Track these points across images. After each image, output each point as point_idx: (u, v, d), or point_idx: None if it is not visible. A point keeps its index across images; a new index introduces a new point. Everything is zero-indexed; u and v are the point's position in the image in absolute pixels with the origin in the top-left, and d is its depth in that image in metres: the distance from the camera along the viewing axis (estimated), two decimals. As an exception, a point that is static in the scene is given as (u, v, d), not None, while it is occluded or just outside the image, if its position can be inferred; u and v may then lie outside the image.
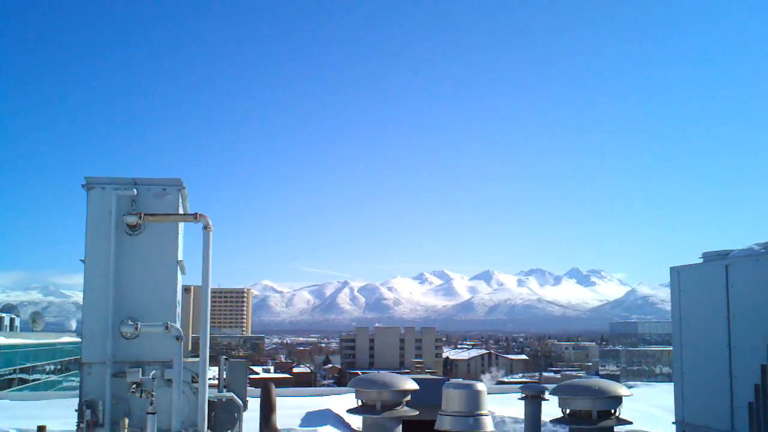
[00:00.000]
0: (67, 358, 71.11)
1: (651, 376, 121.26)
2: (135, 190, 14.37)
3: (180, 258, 15.05)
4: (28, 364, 61.73)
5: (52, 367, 68.42)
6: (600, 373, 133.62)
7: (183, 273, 15.89)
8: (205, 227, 14.05)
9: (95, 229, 14.30)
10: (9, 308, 76.86)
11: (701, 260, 13.27)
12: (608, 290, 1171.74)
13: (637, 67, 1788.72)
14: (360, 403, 10.39)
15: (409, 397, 10.35)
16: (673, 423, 13.63)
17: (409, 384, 10.27)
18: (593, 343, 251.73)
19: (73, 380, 66.12)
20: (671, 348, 14.23)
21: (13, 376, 57.95)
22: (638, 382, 35.33)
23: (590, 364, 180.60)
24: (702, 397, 12.75)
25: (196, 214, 14.03)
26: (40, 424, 18.15)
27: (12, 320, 66.80)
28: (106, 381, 14.00)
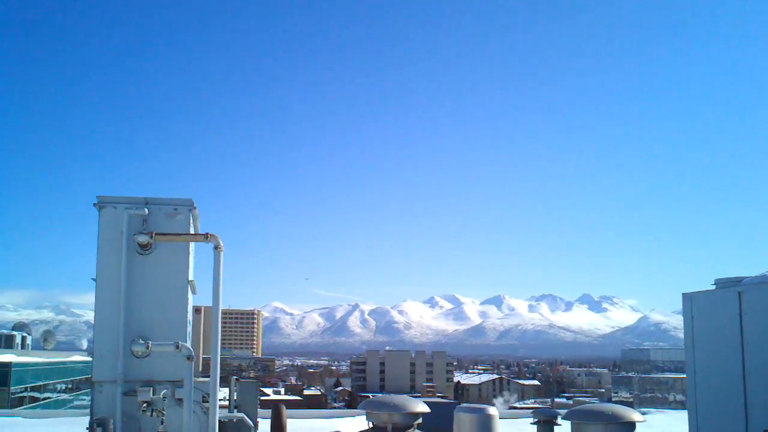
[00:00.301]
0: (78, 377, 71.21)
1: (665, 404, 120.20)
2: (146, 209, 14.43)
3: (191, 278, 15.07)
4: (40, 383, 61.82)
5: (63, 386, 68.51)
6: (613, 399, 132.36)
7: (194, 293, 15.90)
8: (216, 247, 14.08)
9: (106, 248, 14.35)
10: (21, 326, 77.12)
11: (714, 287, 13.16)
12: (620, 316, 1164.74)
13: (654, 89, 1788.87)
14: (371, 426, 10.31)
15: (420, 420, 10.26)
16: (686, 451, 13.47)
17: (421, 407, 10.20)
18: (605, 370, 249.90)
19: (84, 399, 66.16)
20: (685, 375, 14.07)
21: (25, 394, 58.04)
22: (652, 409, 34.95)
23: (603, 390, 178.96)
24: (716, 425, 12.60)
25: (206, 234, 14.06)
26: (51, 443, 18.19)
27: (24, 339, 67.01)
28: (117, 399, 13.98)
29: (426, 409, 10.28)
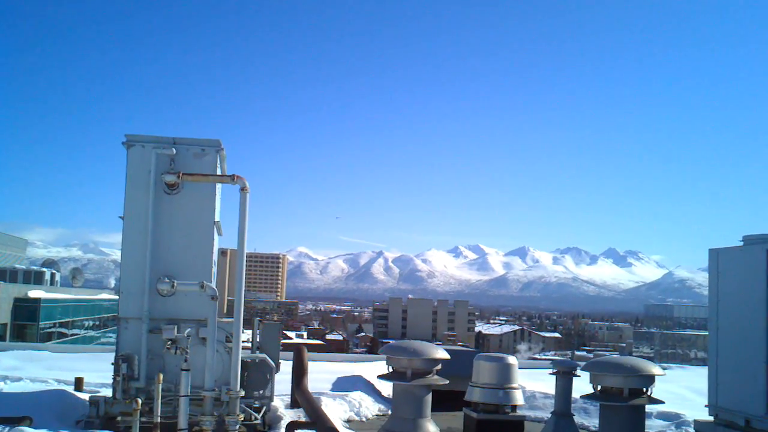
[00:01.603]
0: (105, 315, 72.39)
1: (686, 360, 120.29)
2: (174, 149, 14.52)
3: (217, 219, 15.20)
4: (68, 319, 62.88)
5: (91, 323, 69.69)
6: (634, 354, 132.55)
7: (220, 234, 16.05)
8: (242, 189, 14.15)
9: (134, 187, 14.50)
10: (50, 264, 78.36)
11: (741, 243, 13.00)
12: (645, 272, 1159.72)
13: (680, 46, 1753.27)
14: (391, 370, 10.40)
15: (439, 366, 10.33)
16: (705, 406, 13.47)
17: (441, 353, 10.26)
18: (627, 325, 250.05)
19: (111, 336, 67.42)
20: (707, 333, 13.99)
21: (53, 329, 59.11)
22: (672, 365, 34.94)
23: (624, 345, 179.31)
24: (737, 382, 12.56)
25: (233, 175, 14.13)
26: (78, 375, 18.57)
27: (53, 275, 68.06)
28: (142, 336, 14.27)
29: (446, 355, 10.35)
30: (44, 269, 69.24)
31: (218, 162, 15.23)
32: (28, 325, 55.85)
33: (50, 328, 58.56)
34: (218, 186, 15.48)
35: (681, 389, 21.60)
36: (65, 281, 76.11)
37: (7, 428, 11.36)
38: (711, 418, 13.33)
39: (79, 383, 18.24)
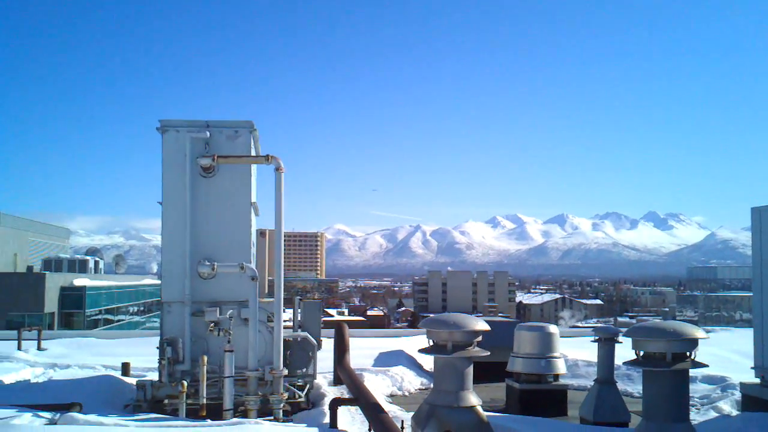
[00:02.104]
0: (149, 300, 73.41)
1: (730, 322, 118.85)
2: (208, 132, 14.64)
3: (253, 200, 15.32)
4: (113, 305, 63.86)
5: (136, 308, 70.74)
6: (677, 318, 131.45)
7: (257, 215, 16.18)
8: (277, 169, 14.22)
9: (170, 172, 14.65)
10: (93, 251, 79.70)
11: (785, 201, 12.79)
12: (687, 234, 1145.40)
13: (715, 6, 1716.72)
14: (431, 344, 10.42)
15: (480, 338, 10.32)
16: (751, 368, 13.34)
17: (480, 325, 10.23)
18: (670, 289, 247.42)
19: (155, 321, 68.41)
20: (752, 294, 13.82)
21: (99, 316, 60.11)
22: (716, 328, 34.57)
23: (667, 309, 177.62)
24: (782, 342, 12.42)
25: (268, 155, 14.20)
26: (125, 361, 18.92)
27: (96, 263, 69.12)
28: (186, 320, 14.48)
29: (486, 327, 10.32)
30: (88, 257, 70.33)
31: (252, 143, 15.32)
32: (74, 312, 56.89)
33: (96, 315, 59.57)
34: (254, 167, 15.59)
35: (726, 352, 21.38)
36: (109, 268, 77.22)
37: (58, 414, 11.62)
38: (757, 380, 13.21)
39: (125, 368, 18.59)
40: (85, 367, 19.59)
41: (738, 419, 12.25)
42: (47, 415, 11.68)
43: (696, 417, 13.92)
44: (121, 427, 11.06)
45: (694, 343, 8.59)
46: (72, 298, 56.97)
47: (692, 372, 9.04)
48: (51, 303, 54.75)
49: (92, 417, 11.66)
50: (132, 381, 16.03)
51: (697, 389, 16.72)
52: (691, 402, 12.66)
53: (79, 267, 65.40)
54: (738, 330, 31.47)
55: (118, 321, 64.80)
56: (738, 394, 14.55)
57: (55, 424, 11.19)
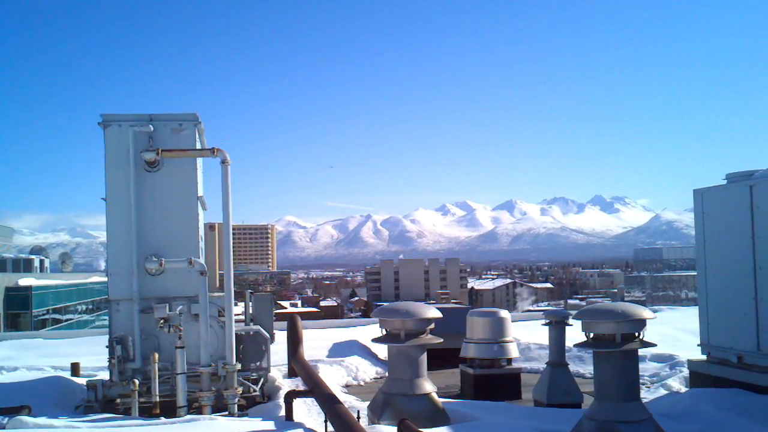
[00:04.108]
0: (98, 298, 72.25)
1: (677, 301, 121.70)
2: (151, 126, 14.39)
3: (200, 194, 15.11)
4: (61, 305, 62.71)
5: (84, 307, 69.56)
6: (626, 299, 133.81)
7: (204, 209, 15.98)
8: (223, 162, 14.06)
9: (114, 167, 14.39)
10: (38, 250, 78.00)
11: (725, 182, 13.04)
12: (632, 217, 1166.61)
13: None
14: (384, 333, 10.44)
15: (433, 326, 10.37)
16: (698, 345, 13.62)
17: (433, 312, 10.29)
18: (618, 270, 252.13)
19: (105, 319, 67.22)
20: (696, 273, 14.10)
21: (47, 316, 58.96)
22: (664, 307, 35.29)
23: (615, 290, 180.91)
24: (727, 319, 12.69)
25: (213, 148, 14.04)
26: (74, 361, 18.57)
27: (42, 262, 67.78)
28: (135, 317, 14.25)
29: (438, 314, 10.38)
30: (33, 256, 68.94)
31: (197, 136, 15.10)
32: (20, 313, 55.70)
33: (43, 315, 58.40)
34: (200, 160, 15.37)
35: (673, 330, 21.84)
36: (55, 267, 75.83)
37: (6, 419, 11.35)
38: (704, 357, 13.49)
39: (75, 368, 18.23)
40: (33, 368, 19.15)
41: (687, 395, 12.50)
42: (-6, 419, 11.40)
43: (646, 395, 14.18)
44: (72, 428, 10.86)
45: (642, 323, 8.73)
46: (17, 299, 55.76)
47: (641, 351, 9.18)
48: (-5, 304, 53.57)
49: (42, 420, 11.42)
50: (82, 381, 15.72)
51: (646, 368, 17.03)
52: (641, 381, 12.87)
53: (24, 266, 64.04)
54: (684, 309, 32.13)
55: (67, 320, 63.63)
56: (686, 371, 14.85)
57: (4, 428, 10.93)
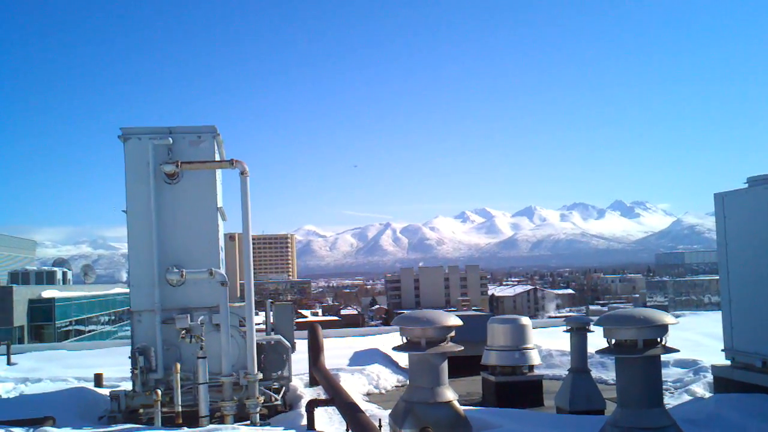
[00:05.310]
0: (120, 309, 72.58)
1: (699, 306, 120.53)
2: (170, 138, 14.53)
3: (220, 205, 15.21)
4: (83, 316, 63.06)
5: (107, 318, 69.89)
6: (647, 304, 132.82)
7: (224, 219, 16.08)
8: (242, 173, 14.16)
9: (134, 180, 14.53)
10: (61, 262, 78.42)
11: (746, 185, 12.94)
12: (653, 221, 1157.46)
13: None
14: (405, 341, 10.42)
15: (453, 333, 10.34)
16: (721, 350, 13.49)
17: (453, 320, 10.25)
18: (640, 275, 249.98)
19: (127, 330, 67.60)
20: (719, 277, 13.98)
21: (70, 327, 59.30)
22: (686, 312, 35.00)
23: (637, 295, 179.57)
24: (751, 324, 12.57)
25: (232, 160, 14.15)
26: (97, 372, 18.71)
27: (64, 274, 68.15)
28: (156, 328, 14.36)
29: (459, 322, 10.34)
30: (55, 268, 69.29)
31: (216, 148, 15.22)
32: (44, 325, 56.07)
33: (66, 326, 58.74)
34: (219, 172, 15.48)
35: (696, 335, 21.67)
36: (77, 279, 76.19)
37: (30, 430, 11.45)
38: (728, 362, 13.37)
39: (98, 379, 18.38)
40: (57, 379, 19.33)
41: (711, 401, 12.38)
42: (20, 430, 11.50)
43: (670, 401, 14.08)
44: (95, 439, 10.93)
45: (664, 328, 8.67)
46: (41, 311, 56.13)
47: (664, 357, 9.10)
48: (20, 316, 53.90)
49: (66, 431, 11.52)
50: (105, 392, 15.86)
51: (669, 374, 16.91)
52: (664, 386, 12.79)
53: (47, 279, 64.39)
54: (707, 313, 31.90)
55: (89, 332, 63.97)
56: (710, 377, 14.73)
57: (28, 440, 11.02)
